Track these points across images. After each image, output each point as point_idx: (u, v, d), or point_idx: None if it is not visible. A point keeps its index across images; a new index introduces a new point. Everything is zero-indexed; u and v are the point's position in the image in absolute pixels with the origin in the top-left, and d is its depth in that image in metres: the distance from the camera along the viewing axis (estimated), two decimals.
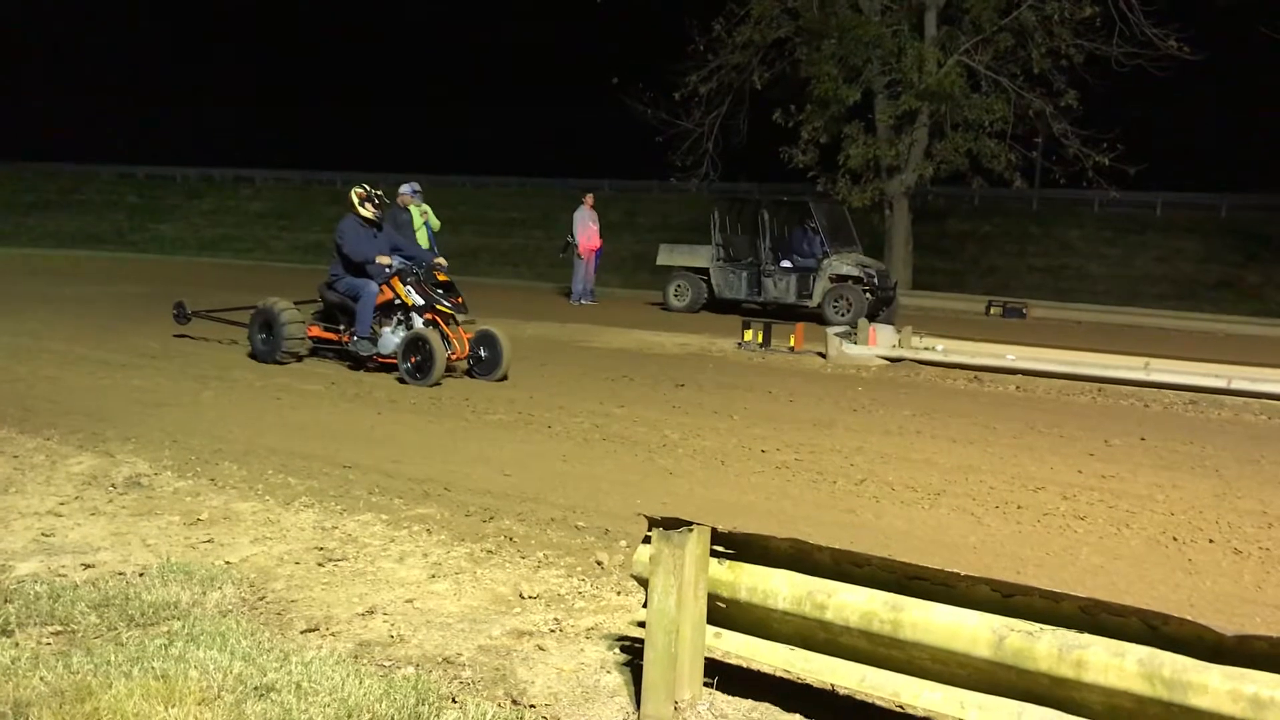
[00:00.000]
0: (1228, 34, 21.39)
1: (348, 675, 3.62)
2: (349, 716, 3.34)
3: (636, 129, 23.84)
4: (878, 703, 3.48)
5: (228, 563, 4.94)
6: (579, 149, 36.75)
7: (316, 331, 11.37)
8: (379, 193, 10.94)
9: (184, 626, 4.06)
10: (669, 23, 23.13)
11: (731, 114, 23.64)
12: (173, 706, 3.34)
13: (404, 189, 14.95)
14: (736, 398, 10.11)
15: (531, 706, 3.54)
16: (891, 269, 20.81)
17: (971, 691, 3.00)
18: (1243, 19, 20.64)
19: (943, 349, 12.71)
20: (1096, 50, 20.81)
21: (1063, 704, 2.83)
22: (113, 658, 3.70)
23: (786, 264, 18.54)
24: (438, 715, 3.38)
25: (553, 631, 4.20)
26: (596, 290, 20.77)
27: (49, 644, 3.91)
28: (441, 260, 10.89)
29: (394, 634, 4.14)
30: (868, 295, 17.51)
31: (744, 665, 3.71)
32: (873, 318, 16.14)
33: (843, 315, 16.82)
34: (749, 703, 3.55)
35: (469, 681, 3.73)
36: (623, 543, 5.38)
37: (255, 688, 3.50)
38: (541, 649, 4.02)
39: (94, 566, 4.83)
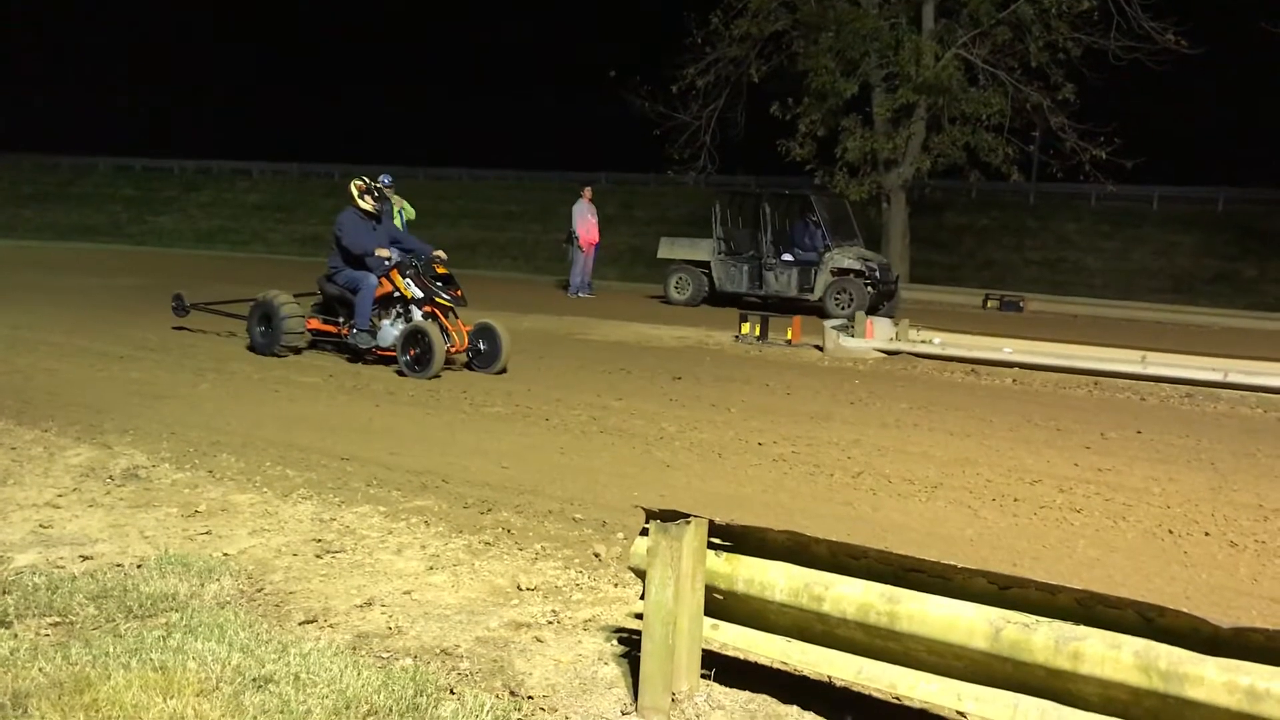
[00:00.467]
0: (1225, 27, 21.38)
1: (346, 667, 3.62)
2: (347, 708, 3.35)
3: (634, 122, 23.86)
4: (874, 694, 3.49)
5: (226, 554, 4.94)
6: (577, 142, 36.74)
7: (316, 324, 11.36)
8: (379, 185, 10.92)
9: (182, 618, 4.06)
10: (666, 16, 23.16)
11: (729, 107, 23.64)
12: (171, 698, 3.35)
13: (383, 179, 14.95)
14: (734, 391, 10.12)
15: (529, 698, 3.54)
16: (889, 262, 20.81)
17: (968, 683, 3.01)
18: (1240, 13, 20.65)
19: (940, 342, 12.72)
20: (1094, 44, 20.82)
21: (1059, 696, 2.84)
22: (111, 649, 3.70)
23: (788, 257, 18.53)
24: (436, 706, 3.39)
25: (550, 623, 4.21)
26: (594, 283, 20.77)
27: (47, 635, 3.91)
28: (440, 253, 10.88)
29: (392, 626, 4.15)
30: (869, 289, 17.51)
31: (741, 657, 3.72)
32: (874, 311, 16.15)
33: (844, 309, 16.81)
34: (746, 694, 3.56)
35: (467, 673, 3.74)
36: (620, 535, 5.38)
37: (253, 679, 3.51)
38: (539, 641, 4.03)
39: (92, 558, 4.83)
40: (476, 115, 42.79)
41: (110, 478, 6.25)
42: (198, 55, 48.61)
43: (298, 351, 11.23)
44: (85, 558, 4.83)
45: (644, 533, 3.50)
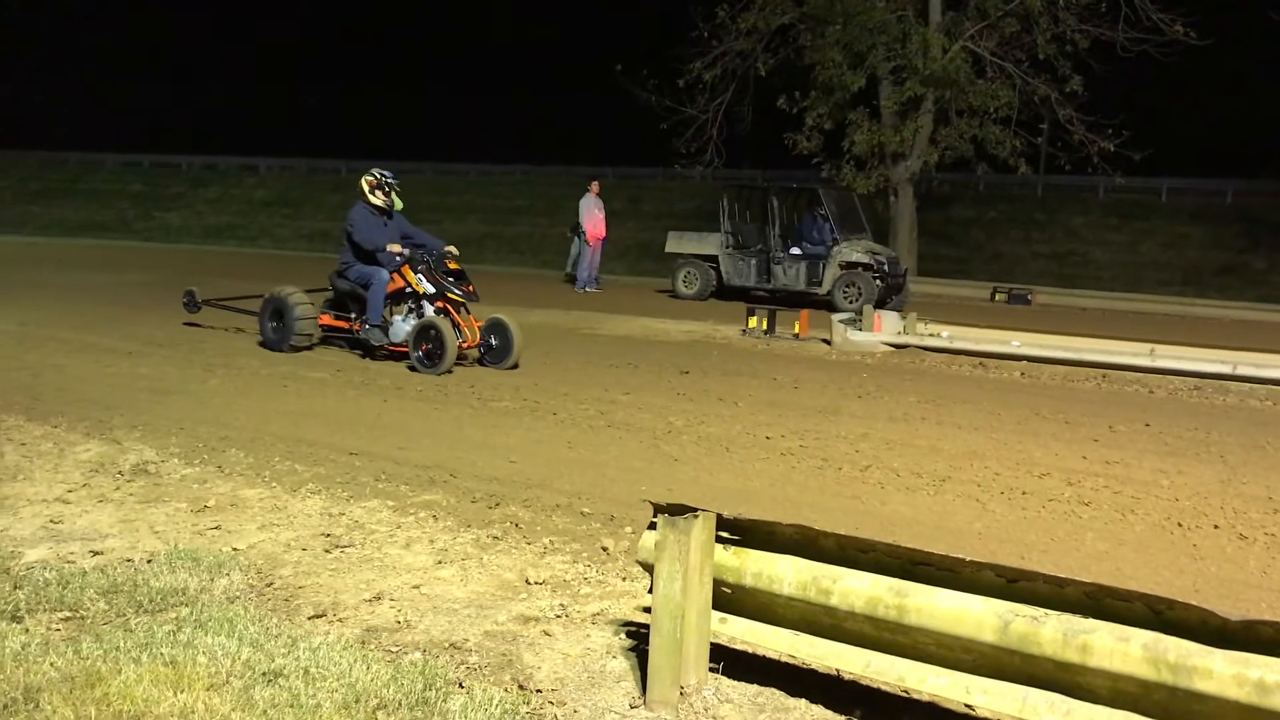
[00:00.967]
0: (1234, 19, 21.29)
1: (355, 661, 3.64)
2: (356, 702, 3.36)
3: (641, 116, 23.78)
4: (883, 688, 3.49)
5: (235, 549, 4.96)
6: (584, 137, 36.70)
7: (327, 320, 11.35)
8: (390, 180, 10.89)
9: (192, 613, 4.08)
10: (673, 9, 23.08)
11: (736, 101, 23.56)
12: (181, 692, 3.36)
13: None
14: (741, 385, 10.11)
15: (538, 691, 3.55)
16: (897, 256, 20.77)
17: (977, 676, 3.01)
18: (1248, 3, 20.55)
19: (948, 335, 12.70)
20: (1102, 35, 20.71)
21: (1068, 688, 2.84)
22: (122, 644, 3.72)
23: (796, 251, 18.46)
24: (445, 700, 3.40)
25: (559, 617, 4.21)
26: (601, 277, 20.77)
27: (58, 630, 3.93)
28: (452, 248, 10.85)
29: (401, 620, 4.16)
30: (878, 282, 17.45)
31: (749, 650, 3.72)
32: (882, 305, 16.11)
33: (853, 302, 16.73)
34: (754, 688, 3.56)
35: (476, 667, 3.75)
36: (628, 529, 5.39)
37: (263, 673, 3.52)
38: (548, 634, 4.04)
39: (102, 553, 4.85)
40: (483, 110, 42.78)
41: (120, 473, 6.27)
42: (204, 51, 48.68)
43: (310, 347, 11.23)
44: (95, 553, 4.85)
45: (652, 527, 3.51)
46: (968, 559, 3.01)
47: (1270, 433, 8.52)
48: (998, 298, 20.89)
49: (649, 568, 3.52)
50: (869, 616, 3.14)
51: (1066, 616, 2.81)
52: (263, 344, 11.36)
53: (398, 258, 10.59)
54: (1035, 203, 28.69)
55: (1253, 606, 4.58)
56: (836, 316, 13.43)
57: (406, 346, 10.37)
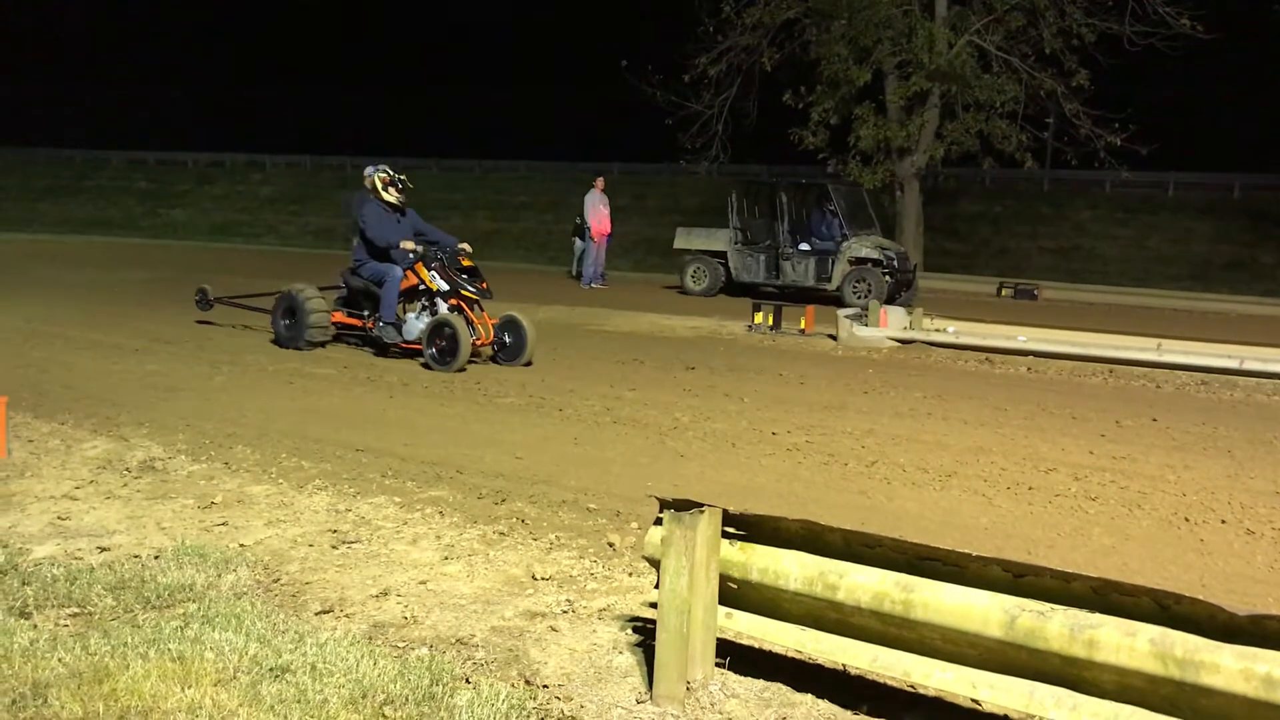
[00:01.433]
0: (1241, 12, 21.20)
1: (362, 656, 3.64)
2: (364, 697, 3.36)
3: (646, 112, 23.76)
4: (889, 683, 3.49)
5: (242, 545, 4.97)
6: (589, 133, 36.68)
7: (340, 317, 11.34)
8: (403, 176, 10.86)
9: (199, 608, 4.09)
10: (678, 4, 23.04)
11: (741, 96, 23.53)
12: (189, 687, 3.37)
13: (369, 170, 14.96)
14: (747, 380, 10.11)
15: (544, 687, 3.56)
16: (907, 251, 20.72)
17: (983, 671, 3.01)
18: None
19: (954, 331, 12.69)
20: (1108, 29, 20.66)
21: (1074, 684, 2.84)
22: (129, 639, 3.73)
23: (805, 247, 18.42)
24: (451, 696, 3.41)
25: (565, 613, 4.22)
26: (607, 273, 20.78)
27: (67, 626, 3.94)
28: (465, 245, 10.82)
29: (408, 615, 4.17)
30: (887, 278, 17.41)
31: (756, 645, 3.73)
32: (892, 300, 16.08)
33: (863, 298, 16.66)
34: (761, 683, 3.57)
35: (482, 662, 3.75)
36: (634, 524, 5.39)
37: (271, 669, 3.53)
38: (554, 630, 4.04)
39: (110, 549, 4.87)
40: (489, 106, 42.76)
41: (127, 470, 6.29)
42: (209, 47, 48.70)
43: (323, 345, 11.22)
44: (103, 549, 4.87)
45: (658, 522, 3.51)
46: (974, 554, 3.00)
47: (1278, 427, 8.50)
48: (1004, 293, 20.86)
49: (655, 563, 3.53)
50: (875, 611, 3.14)
51: (1073, 611, 2.81)
52: (275, 341, 11.35)
53: (411, 255, 10.56)
54: (1042, 197, 28.63)
55: (1260, 601, 4.57)
56: (842, 312, 13.42)
57: (420, 344, 10.34)
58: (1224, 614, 2.57)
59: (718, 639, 3.55)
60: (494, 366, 10.38)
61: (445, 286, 10.46)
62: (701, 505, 3.38)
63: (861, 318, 13.17)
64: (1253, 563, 5.13)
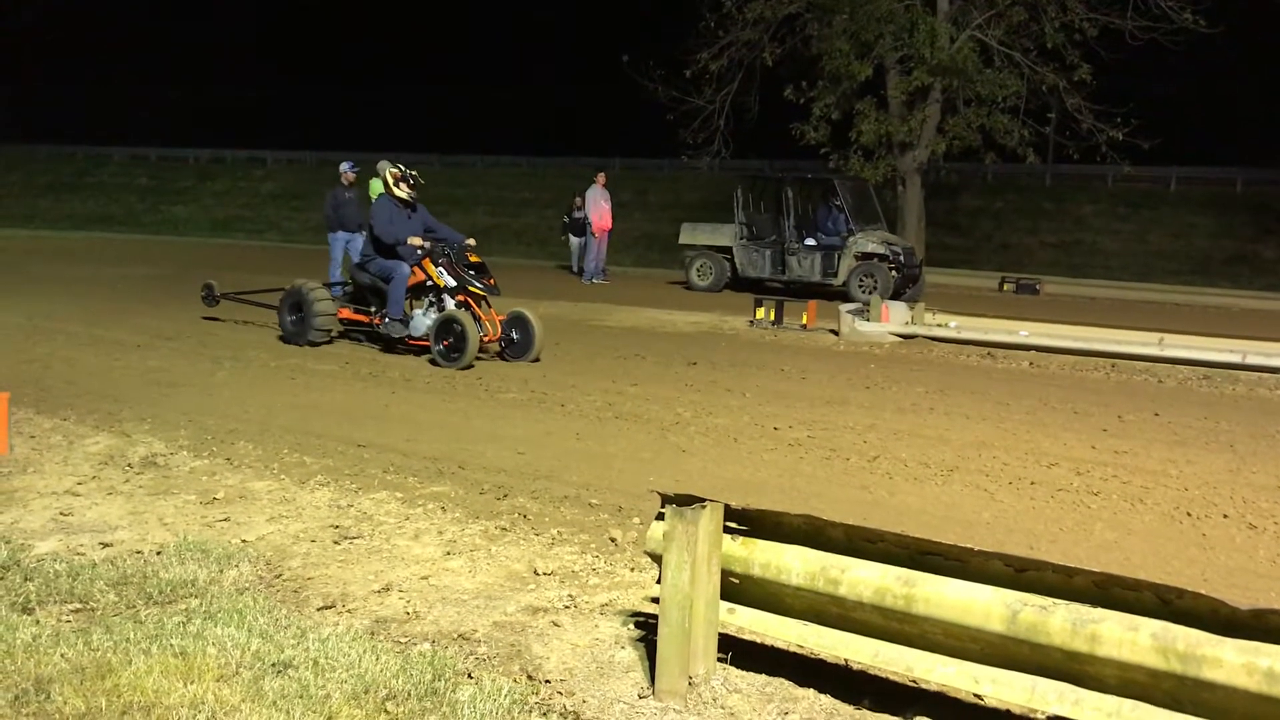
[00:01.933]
0: (1243, 6, 21.16)
1: (364, 651, 3.65)
2: (366, 692, 3.37)
3: (647, 107, 23.74)
4: (891, 677, 3.49)
5: (244, 541, 4.97)
6: (590, 128, 36.65)
7: (347, 313, 11.32)
8: (414, 172, 10.83)
9: (201, 604, 4.10)
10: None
11: (743, 91, 23.50)
12: (191, 683, 3.37)
13: (344, 166, 15.03)
14: (749, 375, 10.11)
15: (547, 682, 3.56)
16: (913, 246, 20.70)
17: (985, 666, 3.01)
18: None
19: (956, 325, 12.68)
20: (1110, 23, 20.63)
21: (1076, 678, 2.84)
22: (132, 635, 3.73)
23: (811, 242, 18.39)
24: (454, 691, 3.41)
25: (567, 608, 4.22)
26: (608, 269, 20.78)
27: (69, 621, 3.95)
28: (472, 241, 10.79)
29: (410, 610, 4.17)
30: (894, 273, 17.39)
31: (757, 640, 3.73)
32: (898, 295, 16.07)
33: (869, 293, 16.62)
34: (763, 678, 3.57)
35: (484, 657, 3.76)
36: (636, 520, 5.39)
37: (273, 664, 3.53)
38: (556, 625, 4.05)
39: (112, 545, 4.87)
40: (490, 101, 42.74)
41: (129, 465, 6.30)
42: (211, 43, 48.65)
43: (329, 341, 11.21)
44: (105, 545, 4.87)
45: (660, 517, 3.51)
46: (976, 549, 3.00)
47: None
48: (1006, 288, 20.84)
49: (657, 558, 3.53)
50: (877, 606, 3.14)
51: (1075, 606, 2.81)
52: (282, 337, 11.35)
53: (418, 251, 10.54)
54: (1043, 192, 28.61)
55: (1262, 596, 4.57)
56: (844, 307, 13.40)
57: (427, 340, 10.33)
58: (1226, 609, 2.57)
59: (720, 634, 3.55)
60: (496, 362, 10.38)
61: (453, 283, 10.43)
62: (703, 500, 3.38)
63: (863, 313, 13.16)
64: (1255, 557, 5.12)
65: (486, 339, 10.35)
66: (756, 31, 22.50)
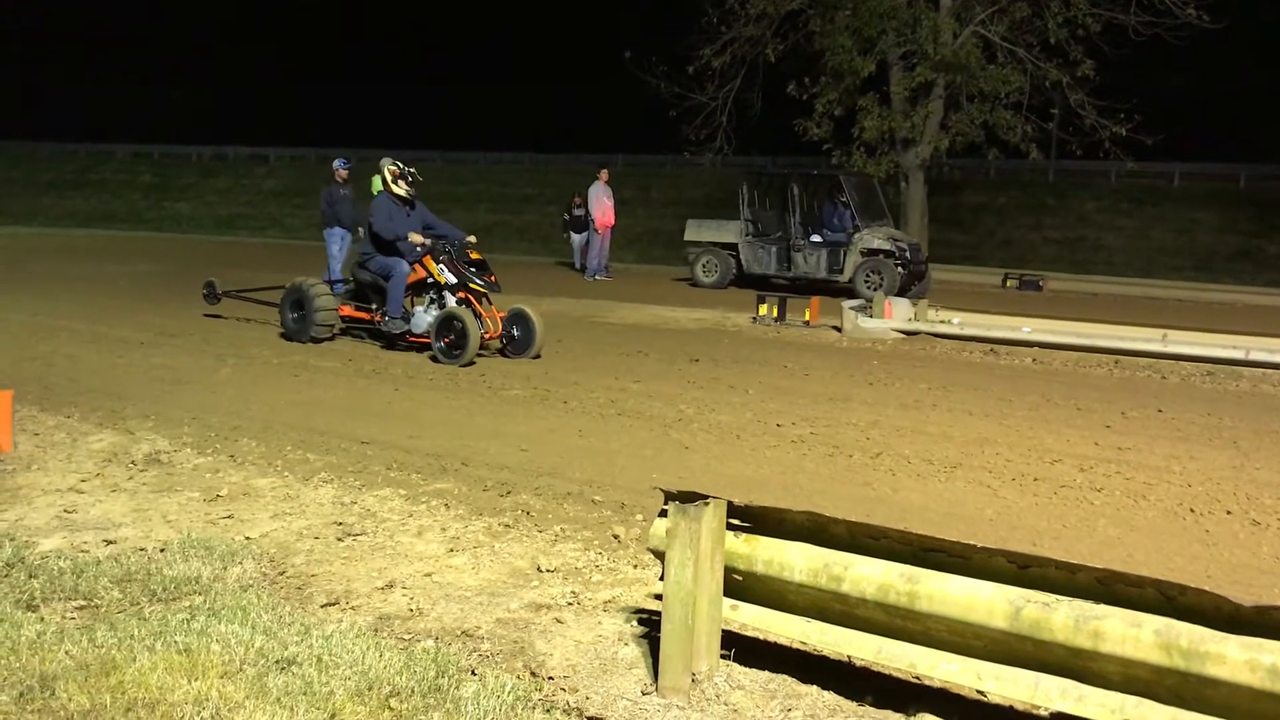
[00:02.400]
0: (1247, 2, 21.14)
1: (368, 648, 3.65)
2: (370, 689, 3.37)
3: (650, 104, 23.74)
4: (894, 674, 3.49)
5: (248, 538, 4.98)
6: (593, 125, 36.65)
7: (348, 310, 11.33)
8: (412, 170, 10.83)
9: (205, 601, 4.10)
10: None
11: (745, 87, 23.50)
12: (195, 680, 3.38)
13: (338, 163, 15.08)
14: (752, 372, 10.11)
15: (550, 678, 3.56)
16: (919, 243, 20.68)
17: (988, 662, 3.01)
18: None
19: (959, 322, 12.67)
20: (1114, 19, 20.61)
21: (1079, 674, 2.84)
22: (136, 632, 3.74)
23: (816, 238, 18.35)
24: (457, 687, 3.41)
25: (570, 604, 4.22)
26: (611, 265, 20.78)
27: (73, 618, 3.95)
28: (472, 238, 10.79)
29: (413, 607, 4.18)
30: (900, 269, 17.36)
31: (760, 637, 3.73)
32: (904, 292, 16.05)
33: (875, 290, 16.61)
34: (765, 674, 3.57)
35: (488, 654, 3.76)
36: (639, 516, 5.40)
37: (277, 661, 3.54)
38: (559, 622, 4.05)
39: (116, 542, 4.88)
40: (492, 98, 42.75)
41: (133, 463, 6.30)
42: (214, 41, 48.69)
43: (331, 338, 11.22)
44: (109, 542, 4.88)
45: (663, 514, 3.51)
46: (979, 545, 3.00)
47: None
48: (1009, 284, 20.83)
49: (660, 555, 3.53)
50: (880, 603, 3.14)
51: (1078, 602, 2.81)
52: (284, 335, 11.35)
53: (419, 248, 10.54)
54: (1046, 188, 28.58)
55: (1265, 592, 4.57)
56: (847, 303, 13.40)
57: (428, 337, 10.33)
58: (1229, 605, 2.57)
59: (723, 631, 3.55)
60: (499, 359, 10.38)
61: (453, 280, 10.43)
62: (706, 497, 3.38)
63: (866, 309, 13.16)
64: (1258, 554, 5.12)
65: (487, 336, 10.35)
66: (759, 27, 22.49)
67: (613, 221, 20.29)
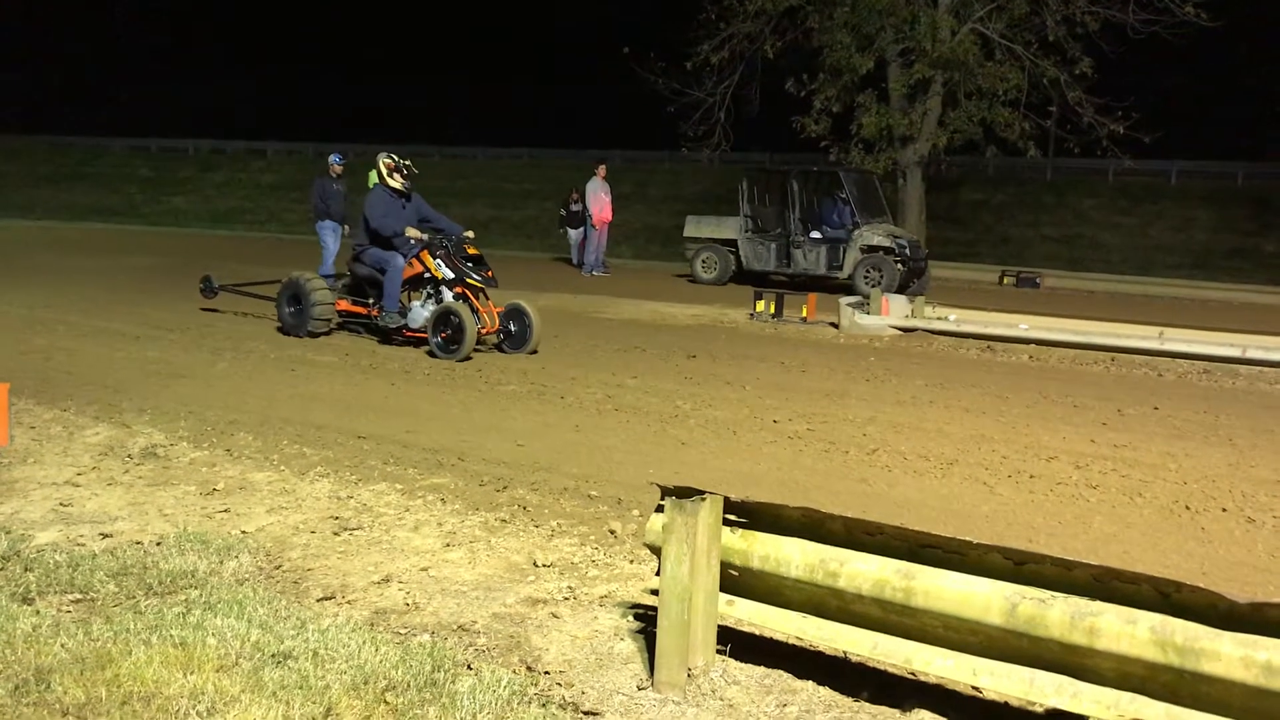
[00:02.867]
0: (1246, 1, 21.14)
1: (364, 642, 3.65)
2: (365, 683, 3.37)
3: (648, 99, 23.72)
4: (890, 670, 3.50)
5: (244, 532, 4.98)
6: (591, 120, 36.67)
7: (345, 305, 11.31)
8: (407, 162, 10.80)
9: (201, 595, 4.10)
10: None
11: (743, 84, 23.50)
12: (191, 673, 3.38)
13: (333, 158, 15.13)
14: (748, 368, 10.11)
15: (546, 673, 3.57)
16: (919, 240, 20.68)
17: (983, 658, 3.01)
18: None
19: (955, 319, 12.68)
20: (1112, 17, 20.61)
21: (1075, 671, 2.84)
22: (132, 625, 3.74)
23: (816, 235, 18.35)
24: (453, 682, 3.41)
25: (566, 599, 4.23)
26: (608, 261, 20.78)
27: (69, 612, 3.95)
28: (470, 233, 10.78)
29: (409, 602, 4.18)
30: (900, 266, 17.36)
31: (756, 633, 3.73)
32: (904, 289, 16.06)
33: (875, 287, 16.61)
34: (762, 670, 3.57)
35: (484, 649, 3.76)
36: (635, 512, 5.40)
37: (273, 655, 3.54)
38: (555, 617, 4.05)
39: (112, 536, 4.88)
40: (491, 93, 42.72)
41: (129, 456, 6.30)
42: (212, 35, 48.62)
43: (328, 333, 11.20)
44: (105, 535, 4.88)
45: (659, 509, 3.51)
46: (975, 542, 3.01)
47: (1279, 416, 8.50)
48: (1006, 281, 20.86)
49: (656, 550, 3.53)
50: (876, 599, 3.14)
51: (1074, 599, 2.81)
52: (281, 329, 11.34)
53: (415, 243, 10.52)
54: (1044, 186, 28.60)
55: (1260, 589, 4.58)
56: (844, 300, 13.40)
57: (425, 332, 10.32)
58: (1224, 602, 2.58)
59: (719, 626, 3.55)
60: (496, 354, 10.38)
61: (450, 274, 10.41)
62: (703, 493, 3.38)
63: (863, 306, 13.17)
64: (1253, 551, 5.13)
65: (484, 331, 10.33)
66: (757, 24, 22.47)
67: (610, 217, 20.29)
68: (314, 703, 3.24)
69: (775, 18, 22.39)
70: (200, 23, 48.51)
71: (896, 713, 3.31)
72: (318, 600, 4.18)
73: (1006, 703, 3.32)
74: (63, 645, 3.56)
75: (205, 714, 3.15)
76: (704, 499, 3.36)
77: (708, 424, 7.62)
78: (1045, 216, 27.42)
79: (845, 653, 3.53)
